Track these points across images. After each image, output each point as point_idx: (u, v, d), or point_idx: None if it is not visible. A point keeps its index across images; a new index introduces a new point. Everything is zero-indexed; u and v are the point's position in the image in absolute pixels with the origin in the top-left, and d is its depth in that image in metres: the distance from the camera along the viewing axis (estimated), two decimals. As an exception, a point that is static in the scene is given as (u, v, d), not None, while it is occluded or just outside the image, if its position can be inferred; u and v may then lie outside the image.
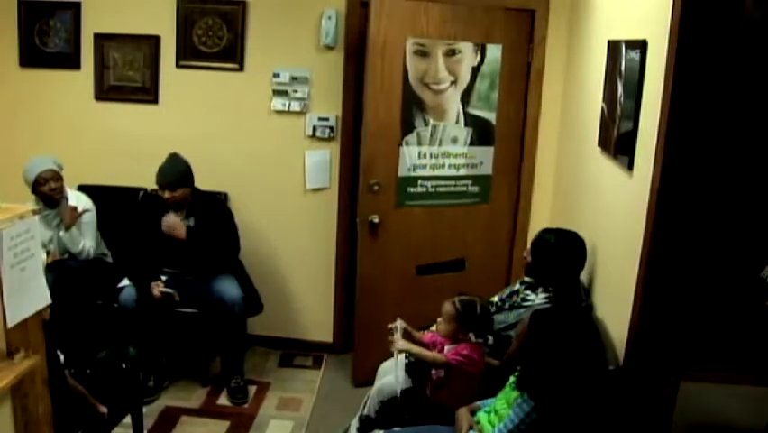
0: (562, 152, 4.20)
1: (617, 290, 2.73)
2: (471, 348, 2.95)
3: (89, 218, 4.14)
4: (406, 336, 3.06)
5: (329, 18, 4.21)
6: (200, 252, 3.99)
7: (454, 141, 4.20)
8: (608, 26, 3.29)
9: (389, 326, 3.07)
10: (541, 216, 4.36)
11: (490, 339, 3.05)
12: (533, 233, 3.57)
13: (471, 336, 2.98)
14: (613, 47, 3.07)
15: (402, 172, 4.09)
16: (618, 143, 2.88)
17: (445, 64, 4.05)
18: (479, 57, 4.14)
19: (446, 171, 4.22)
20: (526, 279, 3.27)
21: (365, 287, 4.11)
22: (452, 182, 4.25)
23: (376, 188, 4.00)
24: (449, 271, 4.31)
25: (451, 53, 4.06)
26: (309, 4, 4.26)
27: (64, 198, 4.05)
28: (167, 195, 3.92)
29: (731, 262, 2.40)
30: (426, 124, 4.09)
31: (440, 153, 4.17)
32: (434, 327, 3.20)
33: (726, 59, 2.21)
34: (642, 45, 2.59)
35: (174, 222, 3.95)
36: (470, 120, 4.20)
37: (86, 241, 4.10)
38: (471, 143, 4.23)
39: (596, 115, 3.28)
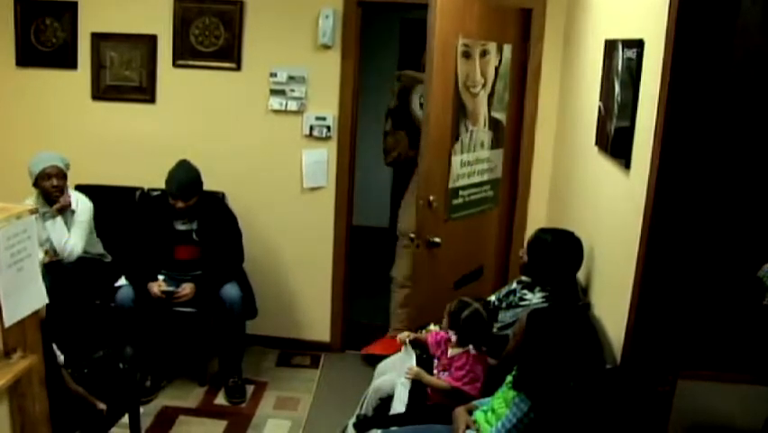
0: (559, 151, 4.20)
1: (615, 289, 2.73)
2: (473, 363, 2.93)
3: (83, 217, 4.09)
4: (414, 341, 3.21)
5: (326, 17, 4.21)
6: (206, 265, 4.03)
7: (482, 145, 4.03)
8: (604, 25, 3.29)
9: (398, 338, 3.25)
10: (538, 216, 4.36)
11: (471, 348, 2.96)
12: (529, 232, 3.57)
13: (452, 334, 3.00)
14: (610, 46, 3.07)
15: (451, 183, 3.84)
16: (615, 142, 2.88)
17: (480, 66, 3.88)
18: (499, 57, 4.02)
19: (476, 178, 4.06)
20: (524, 278, 3.27)
21: (418, 311, 3.70)
22: (478, 189, 4.11)
23: (435, 204, 3.69)
24: (473, 281, 4.20)
25: (483, 54, 3.88)
26: (306, 3, 4.26)
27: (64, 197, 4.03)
28: (180, 204, 3.91)
29: (728, 261, 2.40)
30: (467, 131, 3.89)
31: (473, 160, 3.99)
32: (431, 327, 3.21)
33: (723, 59, 2.21)
34: (639, 44, 2.59)
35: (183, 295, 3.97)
36: (491, 123, 4.08)
37: (71, 238, 4.01)
38: (492, 147, 4.14)
39: (593, 114, 3.28)
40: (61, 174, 3.97)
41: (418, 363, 3.09)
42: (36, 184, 3.95)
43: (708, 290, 2.40)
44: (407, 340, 3.18)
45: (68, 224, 4.03)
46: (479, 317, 2.96)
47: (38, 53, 4.51)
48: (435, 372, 3.05)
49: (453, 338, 2.99)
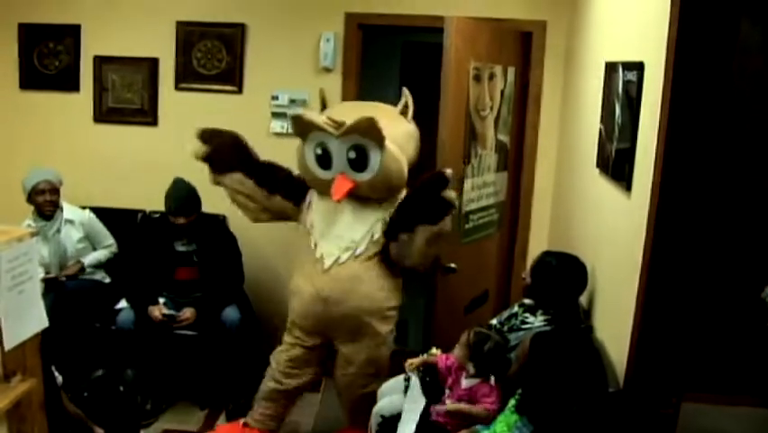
0: (561, 173, 4.21)
1: (617, 311, 2.72)
2: (498, 393, 2.86)
3: (97, 227, 4.25)
4: (426, 366, 3.10)
5: (327, 40, 4.24)
6: (206, 287, 4.03)
7: (488, 169, 4.00)
8: (604, 48, 3.30)
9: (408, 363, 3.12)
10: (539, 238, 4.36)
11: (492, 379, 2.90)
12: (531, 255, 3.56)
13: (470, 366, 2.90)
14: (610, 68, 3.08)
15: (463, 208, 3.81)
16: (616, 165, 2.88)
17: (488, 89, 3.85)
18: (504, 80, 4.01)
19: (483, 202, 4.01)
20: (525, 301, 3.25)
21: (436, 339, 3.57)
22: (485, 212, 4.06)
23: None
24: (480, 306, 4.15)
25: (490, 77, 3.86)
26: (308, 26, 4.29)
27: (59, 209, 4.10)
28: (181, 220, 3.93)
29: (731, 283, 2.39)
30: (476, 154, 3.85)
31: (481, 184, 3.95)
32: (434, 350, 3.18)
33: (723, 81, 2.22)
34: (639, 67, 2.60)
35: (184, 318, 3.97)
36: (497, 145, 4.05)
37: (101, 249, 4.26)
38: (497, 169, 4.11)
39: (594, 136, 3.28)
40: (54, 189, 4.05)
41: (430, 382, 3.02)
42: (29, 199, 4.03)
43: (711, 311, 2.39)
44: (416, 368, 3.07)
45: (65, 236, 4.13)
46: (501, 348, 2.91)
47: (41, 76, 4.54)
48: (449, 401, 2.97)
49: (472, 370, 2.91)
